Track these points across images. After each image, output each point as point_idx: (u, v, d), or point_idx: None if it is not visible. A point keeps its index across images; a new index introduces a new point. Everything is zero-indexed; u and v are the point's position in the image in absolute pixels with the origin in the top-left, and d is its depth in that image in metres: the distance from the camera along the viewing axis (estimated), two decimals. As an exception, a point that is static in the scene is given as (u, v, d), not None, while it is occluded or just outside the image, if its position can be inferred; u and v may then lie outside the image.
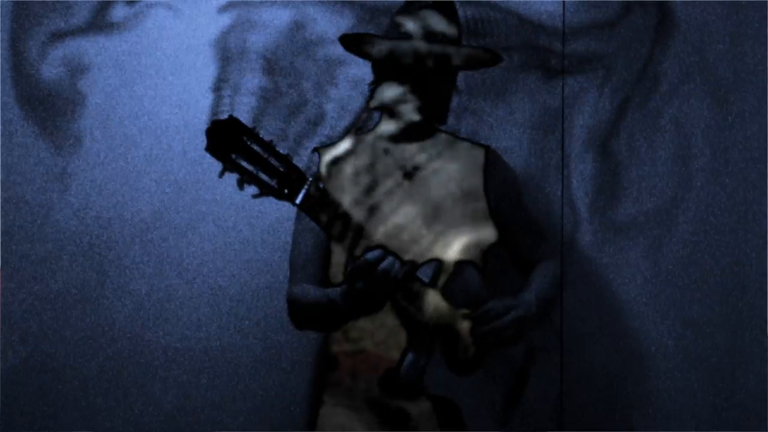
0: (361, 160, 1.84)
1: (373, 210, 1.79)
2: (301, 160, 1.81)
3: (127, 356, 2.17)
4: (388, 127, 1.86)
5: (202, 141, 2.15)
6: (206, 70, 2.16)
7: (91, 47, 2.19)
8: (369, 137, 1.88)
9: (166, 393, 2.17)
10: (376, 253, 1.58)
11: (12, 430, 2.15)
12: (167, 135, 2.19)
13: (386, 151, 1.85)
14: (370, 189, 1.81)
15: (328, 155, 1.85)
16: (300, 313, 1.82)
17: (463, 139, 1.95)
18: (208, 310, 2.17)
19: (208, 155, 2.14)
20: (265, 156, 1.49)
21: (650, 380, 2.22)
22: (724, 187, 2.23)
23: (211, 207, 2.18)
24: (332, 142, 1.90)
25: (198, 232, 2.17)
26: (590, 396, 2.19)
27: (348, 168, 1.83)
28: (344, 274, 1.69)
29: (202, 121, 2.17)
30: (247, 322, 2.18)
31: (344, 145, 1.87)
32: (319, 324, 1.84)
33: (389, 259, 1.58)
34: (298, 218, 1.88)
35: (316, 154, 1.86)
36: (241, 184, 1.49)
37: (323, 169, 1.83)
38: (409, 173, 1.84)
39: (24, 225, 2.17)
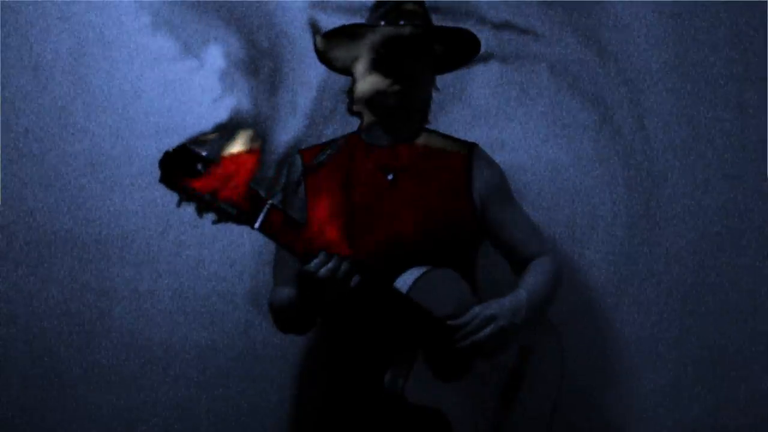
0: (344, 162, 1.81)
1: (354, 212, 1.75)
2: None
3: (124, 355, 2.16)
4: (370, 128, 1.83)
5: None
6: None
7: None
8: (352, 140, 1.86)
9: (165, 391, 2.16)
10: (316, 261, 1.54)
11: (6, 428, 2.14)
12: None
13: (369, 153, 1.83)
14: (351, 191, 1.78)
15: (311, 157, 1.83)
16: (275, 315, 1.81)
17: (448, 138, 1.91)
18: (209, 308, 2.17)
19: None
20: None
21: (643, 381, 2.22)
22: (724, 188, 2.23)
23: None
24: (316, 144, 1.90)
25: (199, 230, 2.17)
26: (583, 397, 2.19)
27: (330, 170, 1.81)
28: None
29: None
30: (236, 322, 2.18)
31: (327, 148, 1.85)
32: (291, 324, 1.81)
33: (330, 265, 1.54)
34: None
35: (299, 156, 1.85)
36: (199, 212, 1.45)
37: (303, 172, 1.81)
38: (393, 177, 1.80)
39: (22, 221, 2.15)
